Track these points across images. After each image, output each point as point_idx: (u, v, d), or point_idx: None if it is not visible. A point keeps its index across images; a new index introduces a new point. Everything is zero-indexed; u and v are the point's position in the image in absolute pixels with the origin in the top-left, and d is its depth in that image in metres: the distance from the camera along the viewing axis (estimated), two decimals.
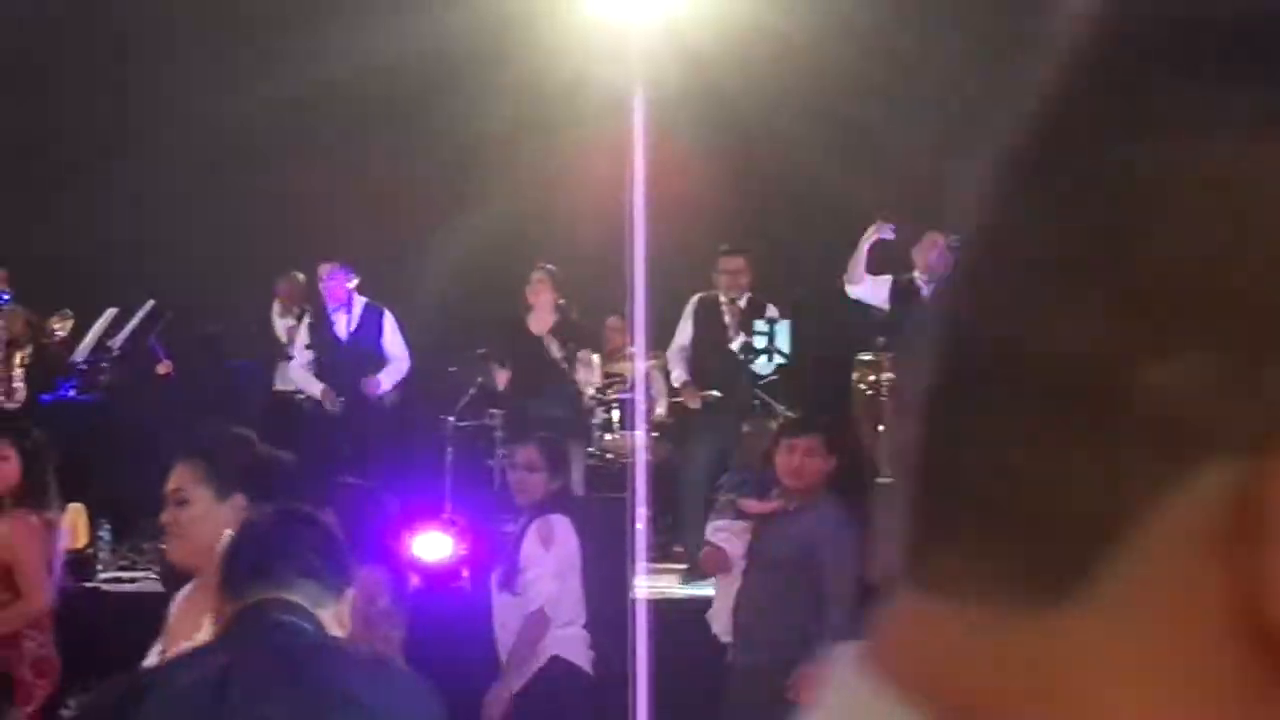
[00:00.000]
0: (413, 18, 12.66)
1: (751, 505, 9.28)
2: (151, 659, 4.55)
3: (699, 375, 13.11)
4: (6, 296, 12.87)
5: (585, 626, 8.93)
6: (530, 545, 8.99)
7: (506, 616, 8.98)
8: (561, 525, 9.05)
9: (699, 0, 11.04)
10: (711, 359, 13.14)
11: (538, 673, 8.66)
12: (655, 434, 13.33)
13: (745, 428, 12.55)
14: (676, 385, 13.23)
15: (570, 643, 8.77)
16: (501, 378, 13.16)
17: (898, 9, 13.54)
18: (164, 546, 4.90)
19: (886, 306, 12.98)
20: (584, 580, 9.02)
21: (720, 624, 8.89)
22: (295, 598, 4.00)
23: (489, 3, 12.03)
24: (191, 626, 4.73)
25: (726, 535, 9.22)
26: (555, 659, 8.68)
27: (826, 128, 13.30)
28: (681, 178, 11.47)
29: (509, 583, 8.97)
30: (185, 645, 4.67)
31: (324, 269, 13.19)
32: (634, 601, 8.44)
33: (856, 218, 12.74)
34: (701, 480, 12.61)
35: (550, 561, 8.92)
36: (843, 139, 13.35)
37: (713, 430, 12.99)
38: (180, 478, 4.96)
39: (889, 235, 12.55)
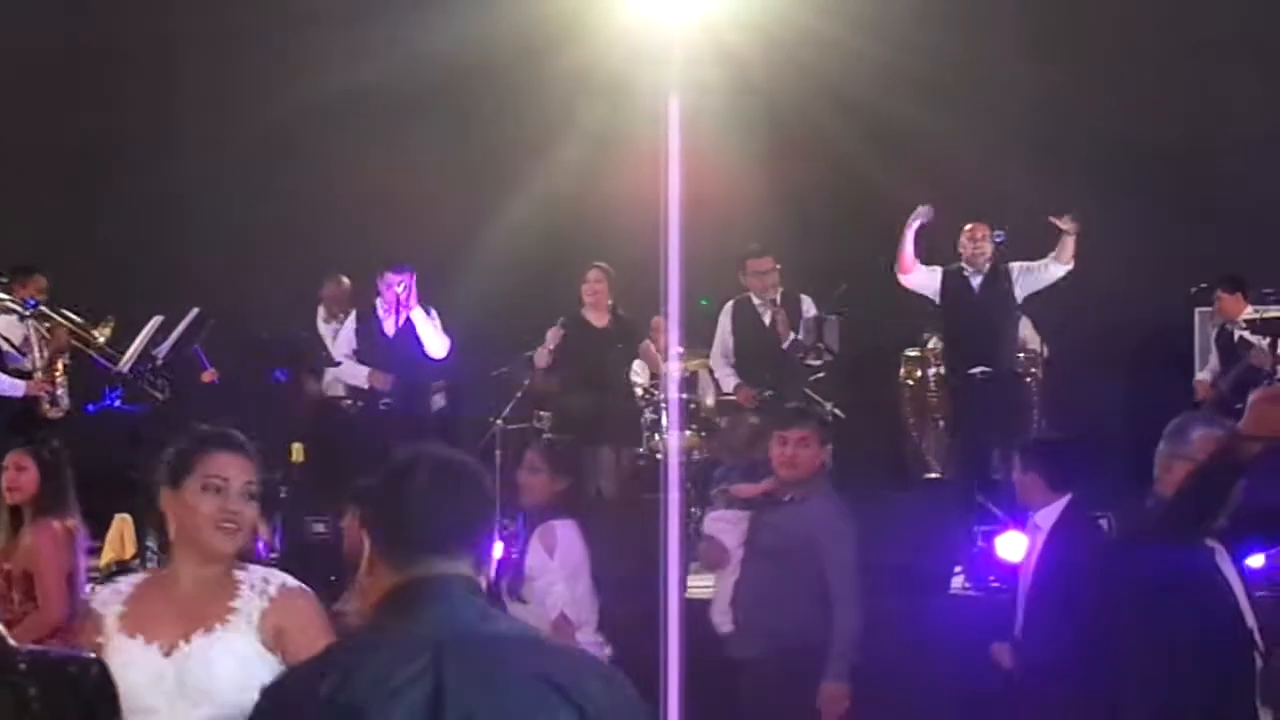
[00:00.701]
0: (452, 21, 12.67)
1: (744, 489, 9.32)
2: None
3: (748, 377, 13.06)
4: (33, 302, 12.82)
5: (598, 629, 8.86)
6: (535, 553, 8.94)
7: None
8: (565, 529, 8.96)
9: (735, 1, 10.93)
10: (759, 360, 13.12)
11: None
12: (704, 433, 13.24)
13: (721, 421, 12.69)
14: (729, 389, 13.19)
15: (588, 647, 8.44)
16: (554, 336, 13.00)
17: (932, 3, 13.44)
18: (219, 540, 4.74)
19: (939, 298, 12.89)
20: (596, 582, 8.93)
21: (720, 615, 8.90)
22: (466, 572, 3.86)
23: (528, 5, 12.00)
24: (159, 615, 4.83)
25: (722, 526, 9.27)
26: None
27: (863, 124, 13.27)
28: (719, 177, 11.45)
29: (515, 590, 8.89)
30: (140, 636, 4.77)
31: (386, 276, 12.90)
32: (665, 600, 8.38)
33: (896, 213, 12.62)
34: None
35: (557, 567, 8.86)
36: (880, 135, 13.30)
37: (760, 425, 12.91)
38: (253, 472, 4.99)
39: (928, 219, 12.45)
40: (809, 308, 13.19)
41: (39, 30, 13.74)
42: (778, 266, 12.98)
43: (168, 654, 4.75)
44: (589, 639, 8.65)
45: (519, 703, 3.68)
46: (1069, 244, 12.29)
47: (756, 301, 13.11)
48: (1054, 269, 12.51)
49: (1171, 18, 13.67)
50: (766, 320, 13.08)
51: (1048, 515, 9.02)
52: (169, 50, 14.07)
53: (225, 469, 4.90)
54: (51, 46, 13.79)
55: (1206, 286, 13.21)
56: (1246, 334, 12.79)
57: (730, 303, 13.22)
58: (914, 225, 12.44)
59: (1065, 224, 12.16)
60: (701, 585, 10.53)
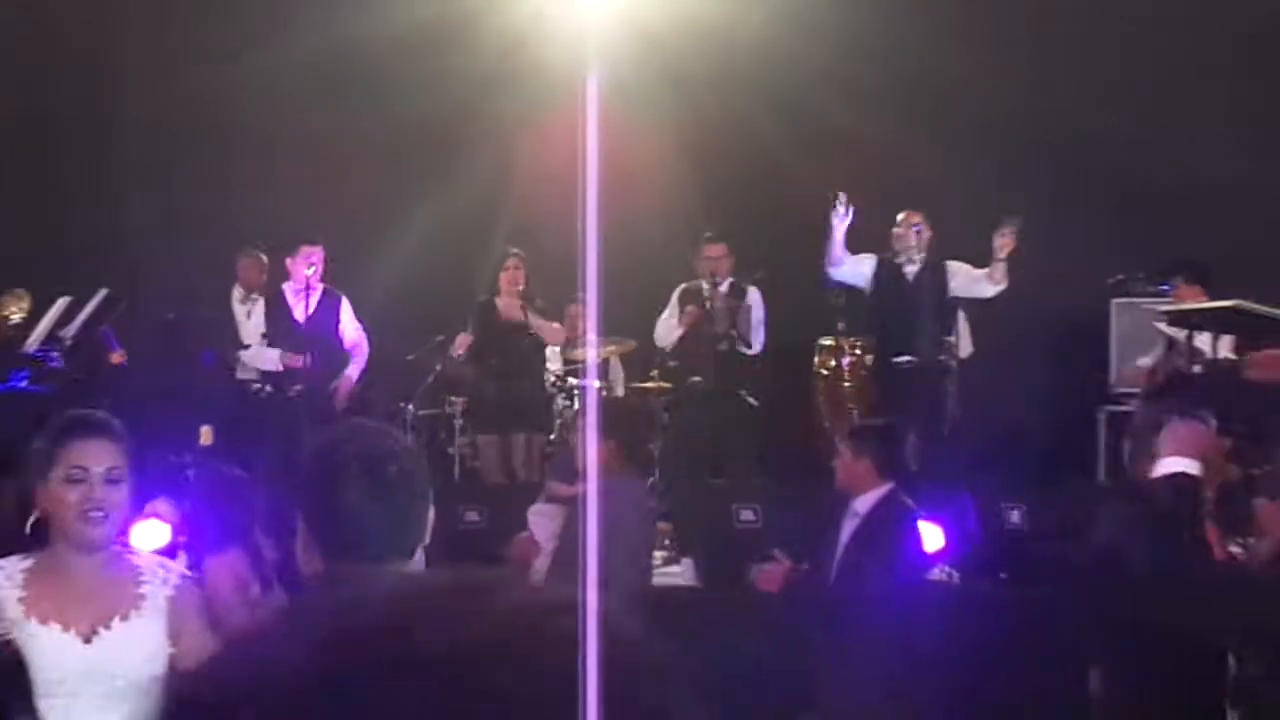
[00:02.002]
0: (373, 2, 12.64)
1: (560, 489, 9.93)
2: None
3: (684, 360, 13.42)
4: None
5: None
6: None
7: None
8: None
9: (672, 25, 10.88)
10: (699, 346, 13.42)
11: None
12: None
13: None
14: (676, 326, 13.52)
15: None
16: (463, 342, 13.19)
17: None
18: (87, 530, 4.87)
19: (870, 287, 13.13)
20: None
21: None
22: None
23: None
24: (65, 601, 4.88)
25: (538, 519, 9.64)
26: None
27: (785, 113, 13.28)
28: (637, 164, 11.45)
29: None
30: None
31: (301, 250, 13.05)
32: (583, 578, 8.43)
33: (816, 203, 12.72)
34: (682, 459, 13.23)
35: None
36: (801, 124, 13.33)
37: (695, 413, 13.36)
38: (116, 456, 4.95)
39: (842, 216, 12.56)
40: (753, 296, 13.50)
41: None
42: (730, 255, 13.27)
43: (88, 640, 4.82)
44: None
45: None
46: (1001, 267, 12.56)
47: (705, 286, 13.31)
48: (987, 288, 12.85)
49: (1087, 12, 13.74)
50: (709, 304, 13.34)
51: (866, 501, 9.41)
52: (97, 31, 13.91)
53: (85, 458, 4.88)
54: None
55: (1124, 279, 13.31)
56: (1166, 327, 12.86)
57: (680, 287, 13.54)
58: (844, 219, 12.57)
59: (1002, 242, 12.41)
60: None
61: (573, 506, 8.94)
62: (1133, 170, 13.33)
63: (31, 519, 4.93)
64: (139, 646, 4.93)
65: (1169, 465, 6.26)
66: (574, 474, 9.45)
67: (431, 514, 4.12)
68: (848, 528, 9.49)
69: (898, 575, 9.24)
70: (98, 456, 4.87)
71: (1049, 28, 13.81)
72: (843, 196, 12.51)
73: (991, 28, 13.73)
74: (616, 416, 11.21)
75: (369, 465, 4.14)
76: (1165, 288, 13.14)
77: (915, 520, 9.79)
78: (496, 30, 12.11)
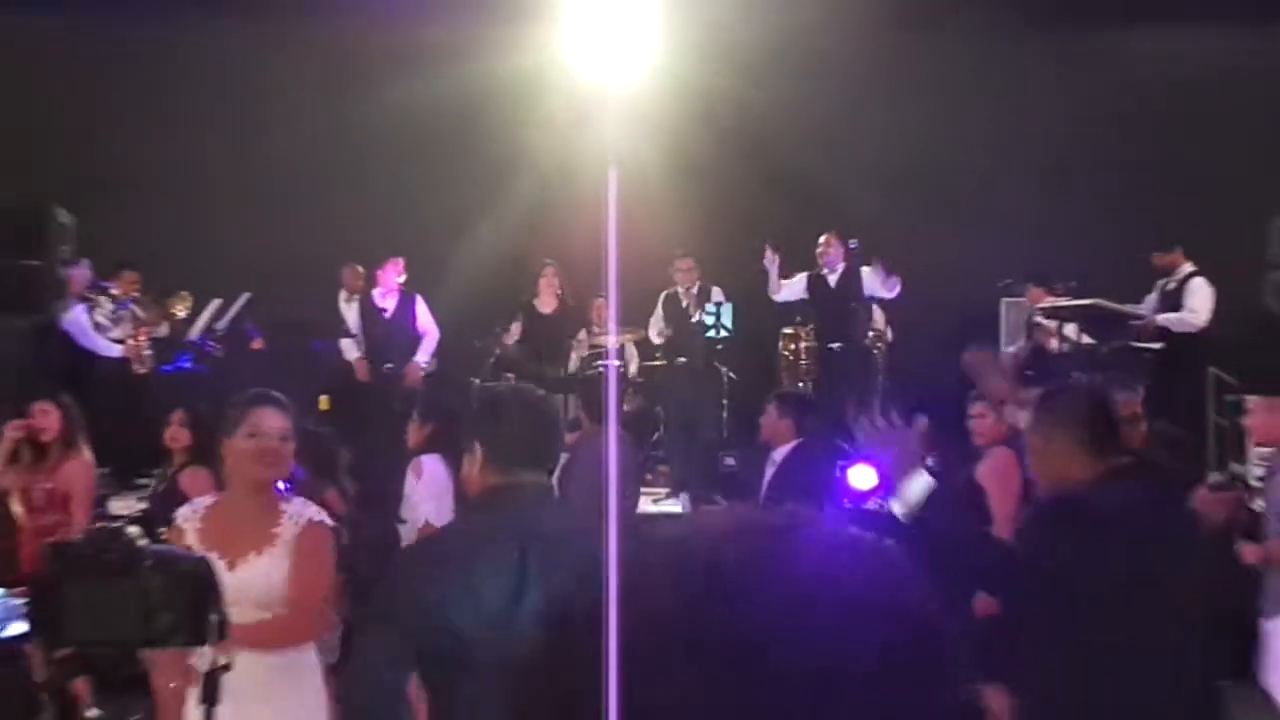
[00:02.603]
0: (437, 86, 12.53)
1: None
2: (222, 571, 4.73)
3: (671, 346, 13.35)
4: (128, 302, 12.87)
5: None
6: (408, 479, 8.91)
7: (408, 541, 8.76)
8: (430, 461, 8.84)
9: (665, 70, 10.77)
10: (679, 335, 13.33)
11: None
12: (631, 390, 13.39)
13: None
14: (659, 336, 13.52)
15: None
16: (515, 331, 13.25)
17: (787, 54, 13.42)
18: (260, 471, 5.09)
19: (806, 296, 13.29)
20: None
21: None
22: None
23: (504, 75, 11.87)
24: (223, 535, 4.93)
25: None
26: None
27: (760, 164, 13.24)
28: (648, 197, 11.38)
29: (398, 514, 9.05)
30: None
31: (387, 263, 13.29)
32: (607, 523, 8.29)
33: (781, 230, 12.96)
34: (676, 420, 13.05)
35: (423, 488, 8.75)
36: (768, 173, 13.31)
37: (682, 385, 13.17)
38: (286, 423, 5.12)
39: (772, 265, 13.13)
40: (717, 295, 13.31)
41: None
42: (696, 266, 13.30)
43: (231, 568, 4.75)
44: None
45: (574, 564, 3.72)
46: (883, 280, 13.01)
47: (680, 290, 13.33)
48: (883, 290, 13.16)
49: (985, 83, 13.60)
50: (684, 304, 13.28)
51: (782, 451, 9.47)
52: (236, 94, 13.81)
53: (264, 421, 5.00)
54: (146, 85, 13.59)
55: (1011, 282, 13.25)
56: (1041, 319, 12.82)
57: (664, 293, 13.48)
58: (774, 265, 13.08)
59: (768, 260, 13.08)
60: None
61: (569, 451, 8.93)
62: (1019, 202, 13.17)
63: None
64: (264, 579, 4.89)
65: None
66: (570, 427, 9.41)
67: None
68: (768, 473, 9.55)
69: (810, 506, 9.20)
70: (273, 421, 5.01)
71: (953, 77, 13.63)
72: (769, 251, 13.00)
73: (912, 82, 13.57)
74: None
75: (529, 402, 4.37)
76: (1021, 289, 13.25)
77: (821, 465, 9.53)
78: (535, 108, 11.98)
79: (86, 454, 8.86)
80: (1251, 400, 9.74)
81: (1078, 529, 4.92)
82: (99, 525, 3.75)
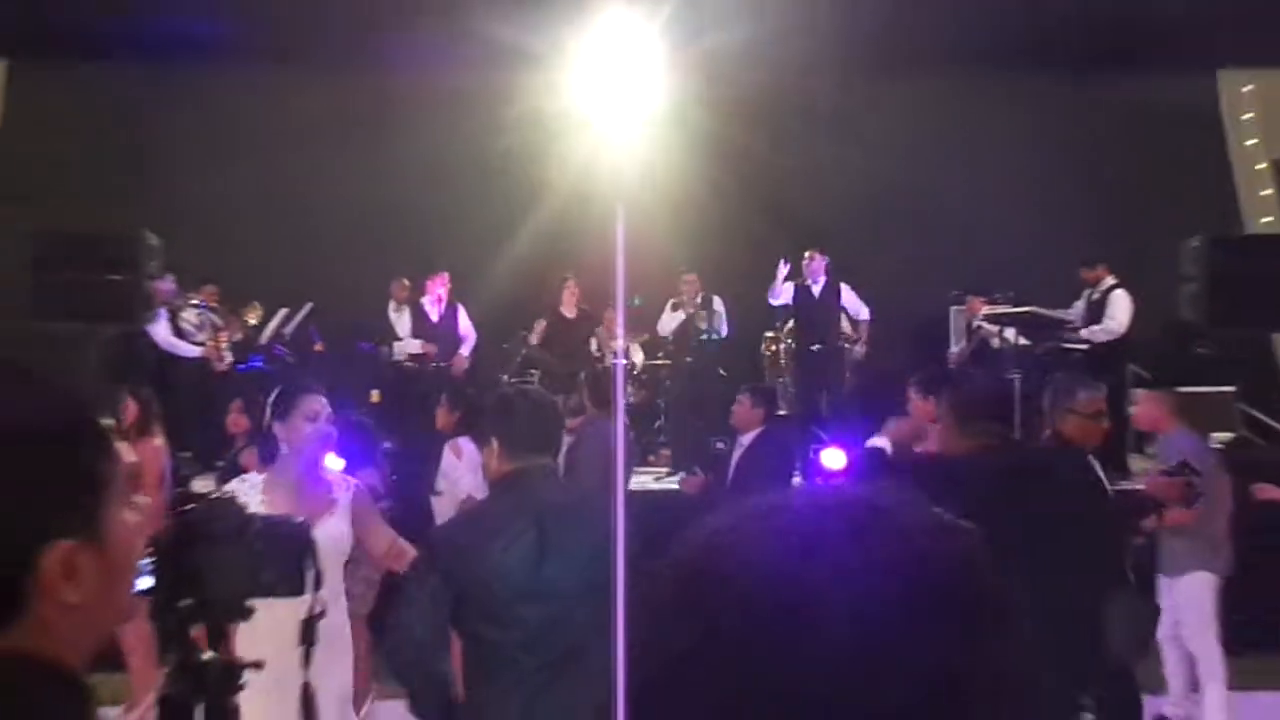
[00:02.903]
0: (474, 121, 12.58)
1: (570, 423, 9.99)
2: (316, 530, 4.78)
3: (679, 348, 13.43)
4: (210, 312, 12.87)
5: None
6: (446, 458, 8.99)
7: (441, 510, 8.85)
8: (466, 443, 8.94)
9: (670, 121, 10.74)
10: (686, 338, 13.38)
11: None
12: (636, 384, 13.46)
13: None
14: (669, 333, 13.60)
15: None
16: (539, 330, 13.36)
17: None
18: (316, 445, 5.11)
19: (793, 303, 13.32)
20: None
21: None
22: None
23: (525, 116, 11.85)
24: (286, 504, 4.85)
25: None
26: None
27: (752, 193, 13.26)
28: (655, 222, 11.41)
29: (433, 487, 9.07)
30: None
31: (434, 276, 13.41)
32: (616, 490, 8.35)
33: (767, 254, 12.99)
34: (679, 409, 13.08)
35: (464, 466, 8.86)
36: (759, 201, 13.33)
37: (680, 380, 13.23)
38: (328, 408, 5.15)
39: (784, 268, 13.02)
40: (718, 304, 13.37)
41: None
42: (698, 279, 13.28)
43: None
44: None
45: (589, 539, 3.99)
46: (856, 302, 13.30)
47: (685, 299, 13.36)
48: (858, 313, 13.41)
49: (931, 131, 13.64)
50: (689, 311, 13.30)
51: (749, 436, 9.45)
52: (318, 133, 13.85)
53: (316, 405, 5.08)
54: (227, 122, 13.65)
55: (958, 293, 13.32)
56: (984, 324, 12.89)
57: (671, 300, 13.47)
58: (782, 274, 13.02)
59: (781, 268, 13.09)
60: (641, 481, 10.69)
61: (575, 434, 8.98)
62: (969, 225, 13.21)
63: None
64: (333, 538, 4.89)
65: None
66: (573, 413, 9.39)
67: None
68: (736, 454, 9.55)
69: (770, 485, 9.29)
70: (323, 406, 5.08)
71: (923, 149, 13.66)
72: (781, 261, 12.96)
73: (891, 139, 13.61)
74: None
75: (534, 401, 4.48)
76: (960, 300, 13.35)
77: (782, 447, 9.79)
78: (551, 156, 11.98)
79: (158, 440, 8.92)
80: (1137, 393, 9.86)
81: (931, 490, 4.99)
82: (215, 497, 3.83)
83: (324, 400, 5.13)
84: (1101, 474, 6.26)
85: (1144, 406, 9.04)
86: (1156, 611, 6.64)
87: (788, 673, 0.93)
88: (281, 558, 2.15)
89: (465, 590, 4.15)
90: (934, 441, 6.88)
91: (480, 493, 8.82)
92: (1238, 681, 7.83)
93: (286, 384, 5.48)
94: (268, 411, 5.16)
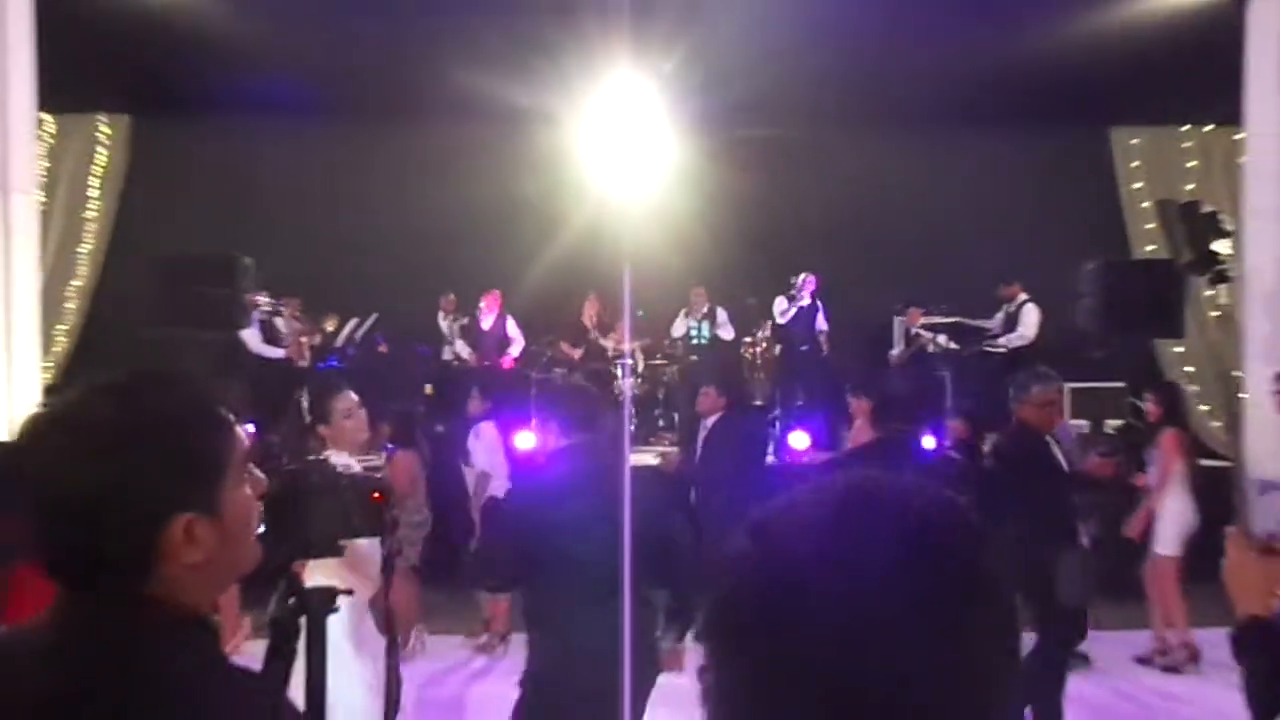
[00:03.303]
0: (508, 177, 12.57)
1: None
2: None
3: (681, 349, 13.49)
4: (294, 320, 12.93)
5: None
6: (472, 439, 9.03)
7: (470, 479, 9.00)
8: (487, 427, 8.99)
9: (672, 162, 10.72)
10: (686, 340, 13.51)
11: (484, 504, 8.54)
12: (639, 379, 13.43)
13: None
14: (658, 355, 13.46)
15: (497, 489, 8.63)
16: (566, 348, 13.34)
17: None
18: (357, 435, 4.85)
19: (783, 317, 13.36)
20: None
21: None
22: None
23: (548, 165, 11.76)
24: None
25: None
26: (492, 498, 8.53)
27: (745, 226, 13.19)
28: (665, 251, 11.41)
29: (466, 458, 9.12)
30: None
31: (488, 293, 13.44)
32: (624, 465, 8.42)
33: (753, 273, 13.10)
34: (673, 399, 13.05)
35: (481, 446, 8.93)
36: (750, 234, 13.25)
37: (677, 376, 13.23)
38: (360, 404, 4.95)
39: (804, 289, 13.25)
40: (722, 315, 13.47)
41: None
42: (705, 293, 13.39)
43: None
44: (499, 484, 8.68)
45: (615, 497, 4.11)
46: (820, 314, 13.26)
47: (694, 309, 13.49)
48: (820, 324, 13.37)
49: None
50: (695, 320, 13.42)
51: (711, 419, 9.32)
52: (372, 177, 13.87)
53: (351, 401, 4.78)
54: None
55: (900, 305, 13.36)
56: (922, 331, 12.94)
57: (684, 309, 13.54)
58: (806, 290, 13.20)
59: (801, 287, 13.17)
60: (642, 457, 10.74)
61: None
62: (913, 251, 13.22)
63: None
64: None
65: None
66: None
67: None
68: (701, 435, 9.45)
69: (727, 458, 9.28)
70: (354, 400, 4.80)
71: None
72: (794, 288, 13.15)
73: (853, 181, 13.49)
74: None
75: (577, 390, 4.71)
76: (903, 311, 13.33)
77: (738, 429, 9.63)
78: (567, 206, 11.79)
79: (246, 430, 8.80)
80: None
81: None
82: (312, 458, 3.85)
83: (354, 395, 4.82)
84: (1059, 454, 6.26)
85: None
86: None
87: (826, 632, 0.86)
88: (366, 506, 2.19)
89: (526, 531, 4.26)
90: (857, 434, 6.94)
91: (490, 467, 8.95)
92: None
93: (314, 387, 5.00)
94: (305, 415, 4.73)
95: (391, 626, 2.55)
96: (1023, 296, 12.73)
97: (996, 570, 0.91)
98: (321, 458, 3.49)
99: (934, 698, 0.84)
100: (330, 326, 13.28)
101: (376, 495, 2.22)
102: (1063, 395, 7.51)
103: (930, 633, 0.85)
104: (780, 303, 13.35)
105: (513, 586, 4.43)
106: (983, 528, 0.93)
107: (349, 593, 2.15)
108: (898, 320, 13.64)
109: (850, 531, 0.89)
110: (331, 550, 2.12)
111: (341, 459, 4.87)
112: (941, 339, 12.86)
